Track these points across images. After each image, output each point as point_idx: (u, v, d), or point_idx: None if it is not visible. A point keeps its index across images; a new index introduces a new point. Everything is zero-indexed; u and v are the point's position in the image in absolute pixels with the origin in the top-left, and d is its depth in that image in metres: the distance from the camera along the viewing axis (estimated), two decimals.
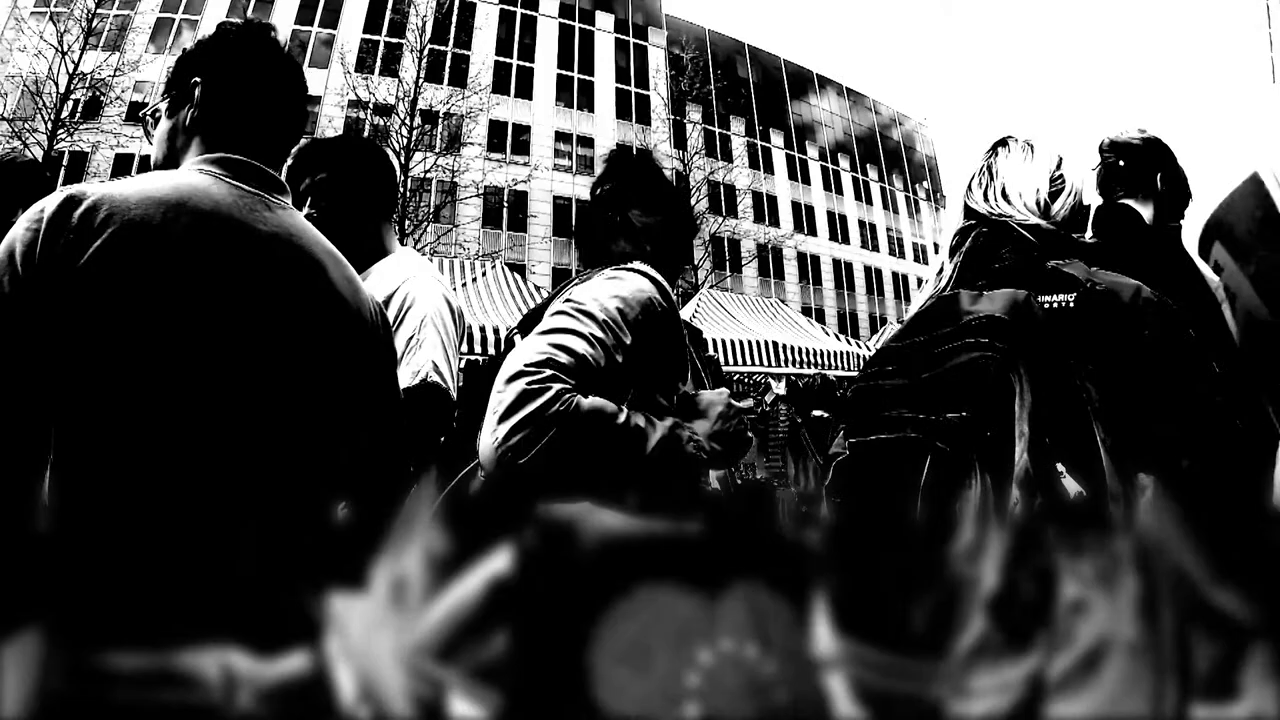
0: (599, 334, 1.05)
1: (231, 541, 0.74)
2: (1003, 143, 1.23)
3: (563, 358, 1.00)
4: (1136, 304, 0.99)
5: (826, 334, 11.63)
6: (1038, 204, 1.15)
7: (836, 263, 37.71)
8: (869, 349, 10.97)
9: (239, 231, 0.94)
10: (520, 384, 0.96)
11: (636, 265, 1.21)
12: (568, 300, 1.12)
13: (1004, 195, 1.17)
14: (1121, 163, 1.75)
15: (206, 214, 0.91)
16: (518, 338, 1.18)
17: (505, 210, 26.90)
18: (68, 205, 0.84)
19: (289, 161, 1.54)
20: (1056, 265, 1.06)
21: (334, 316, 1.03)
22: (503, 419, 0.94)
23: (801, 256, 35.85)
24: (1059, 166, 1.18)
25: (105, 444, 0.82)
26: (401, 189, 15.97)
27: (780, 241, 31.46)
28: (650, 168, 1.43)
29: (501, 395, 0.96)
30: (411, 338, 1.53)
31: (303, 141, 1.59)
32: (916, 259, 42.73)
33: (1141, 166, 1.74)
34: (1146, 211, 1.72)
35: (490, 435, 0.94)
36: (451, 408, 1.52)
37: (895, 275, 40.42)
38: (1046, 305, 1.00)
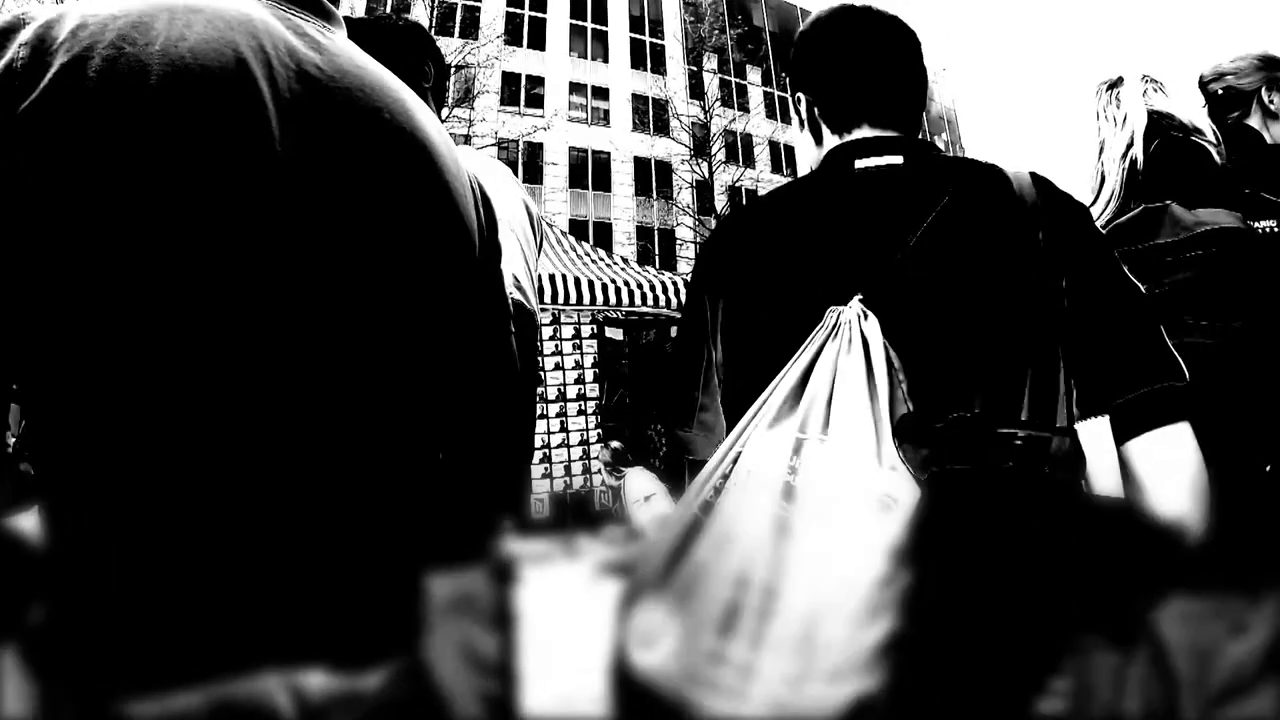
0: None
1: (295, 529, 0.58)
2: (1120, 82, 1.23)
3: None
4: None
5: None
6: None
7: None
8: None
9: (285, 62, 0.63)
10: None
11: None
12: None
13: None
14: (1220, 90, 1.71)
15: (232, 37, 0.61)
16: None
17: (521, 162, 26.61)
18: (6, 35, 0.55)
19: None
20: (1255, 191, 1.05)
21: (435, 186, 0.72)
22: None
23: None
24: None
25: (91, 416, 0.55)
26: None
27: None
28: None
29: None
30: None
31: None
32: None
33: (1247, 88, 1.71)
34: (1267, 132, 1.68)
35: None
36: (536, 331, 1.32)
37: None
38: (1258, 230, 1.01)
